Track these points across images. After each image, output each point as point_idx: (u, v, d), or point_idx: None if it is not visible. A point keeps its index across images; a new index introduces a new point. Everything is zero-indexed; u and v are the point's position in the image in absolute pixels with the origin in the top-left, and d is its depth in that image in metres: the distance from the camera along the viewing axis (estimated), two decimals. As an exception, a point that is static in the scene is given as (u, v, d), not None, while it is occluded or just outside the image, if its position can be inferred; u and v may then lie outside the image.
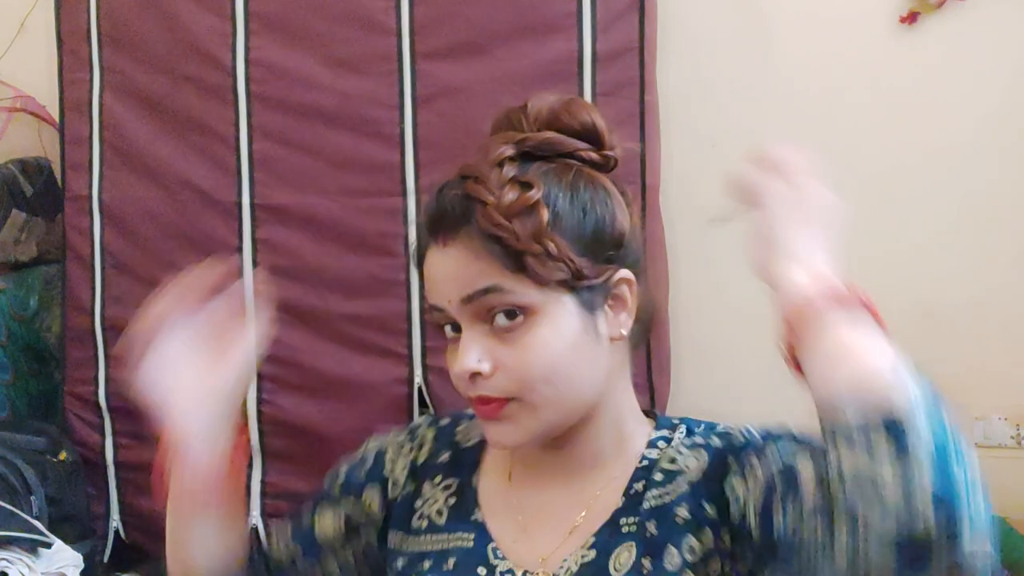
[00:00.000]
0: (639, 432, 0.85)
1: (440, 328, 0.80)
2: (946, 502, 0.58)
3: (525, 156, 0.78)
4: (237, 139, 2.21)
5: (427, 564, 0.84)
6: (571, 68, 2.08)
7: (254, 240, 2.22)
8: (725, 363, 2.30)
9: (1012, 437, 2.21)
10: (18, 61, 2.43)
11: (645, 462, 0.82)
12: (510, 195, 0.74)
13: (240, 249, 2.22)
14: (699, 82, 2.23)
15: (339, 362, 2.17)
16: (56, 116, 2.37)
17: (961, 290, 2.20)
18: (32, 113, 2.45)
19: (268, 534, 2.23)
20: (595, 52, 2.08)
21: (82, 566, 1.79)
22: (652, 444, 0.83)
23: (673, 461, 0.80)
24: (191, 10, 2.21)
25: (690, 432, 0.83)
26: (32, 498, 2.01)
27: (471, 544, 0.83)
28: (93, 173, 2.31)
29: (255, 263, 2.21)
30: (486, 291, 0.75)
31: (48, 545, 1.73)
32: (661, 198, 2.12)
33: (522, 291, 0.74)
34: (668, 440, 0.83)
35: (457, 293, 0.76)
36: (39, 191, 2.42)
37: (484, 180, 0.76)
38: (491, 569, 0.81)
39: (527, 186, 0.75)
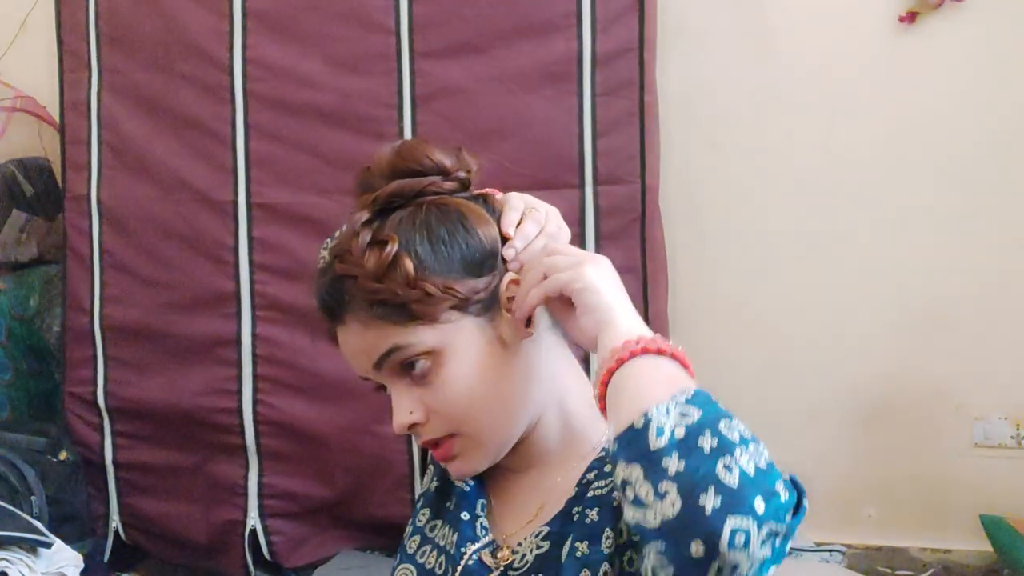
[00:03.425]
0: (597, 426, 0.86)
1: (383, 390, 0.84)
2: (691, 515, 0.59)
3: (381, 212, 0.80)
4: (234, 138, 2.20)
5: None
6: (571, 68, 2.08)
7: (250, 239, 2.21)
8: (724, 363, 2.30)
9: (1012, 437, 2.21)
10: (18, 61, 2.44)
11: (602, 453, 0.83)
12: (371, 259, 0.77)
13: (236, 248, 2.22)
14: (699, 82, 2.23)
15: (336, 362, 2.16)
16: (56, 116, 2.37)
17: (961, 290, 2.20)
18: (32, 113, 2.45)
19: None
20: (595, 52, 2.07)
21: (82, 566, 1.79)
22: None
23: None
24: (189, 9, 2.21)
25: None
26: (32, 498, 2.01)
27: (467, 489, 0.89)
28: (92, 173, 2.31)
29: (251, 262, 2.21)
30: (388, 353, 0.78)
31: (48, 545, 1.73)
32: (661, 198, 2.11)
33: (419, 339, 0.78)
34: None
35: (367, 363, 0.80)
36: (39, 191, 2.42)
37: (348, 254, 0.79)
38: (474, 518, 0.86)
39: (383, 244, 0.78)
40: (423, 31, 2.12)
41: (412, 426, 0.81)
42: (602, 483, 0.79)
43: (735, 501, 0.58)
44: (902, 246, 2.21)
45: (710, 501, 0.58)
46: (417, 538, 0.91)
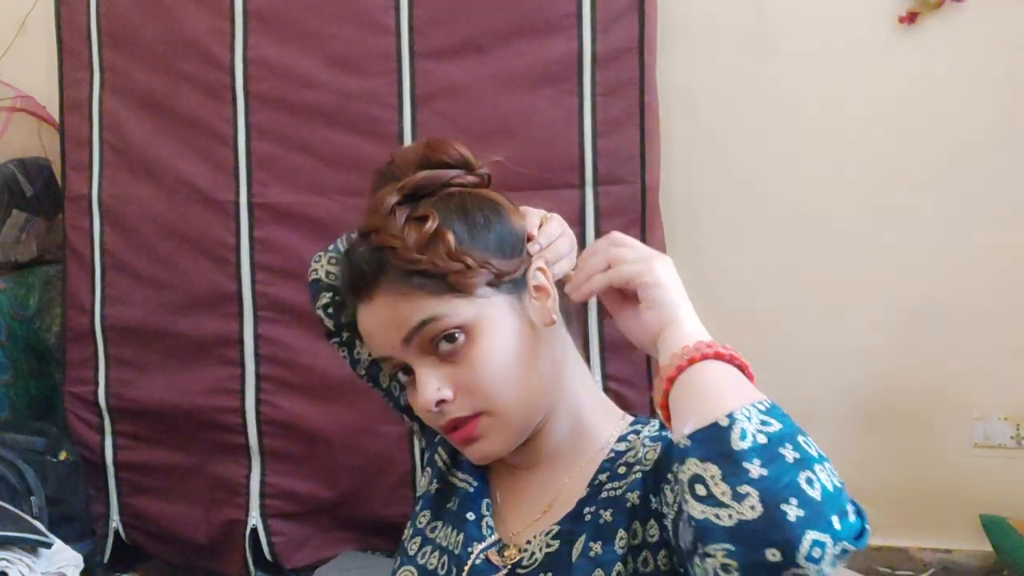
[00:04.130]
0: (604, 427, 0.87)
1: (396, 377, 0.85)
2: (768, 528, 0.59)
3: (410, 198, 0.82)
4: (235, 138, 2.20)
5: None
6: (571, 68, 2.08)
7: (252, 239, 2.21)
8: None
9: (1012, 437, 2.21)
10: (18, 61, 2.44)
11: (612, 454, 0.84)
12: (413, 232, 0.79)
13: (238, 248, 2.22)
14: (700, 82, 2.23)
15: (338, 362, 2.16)
16: (56, 116, 2.37)
17: (962, 291, 2.20)
18: (32, 113, 2.45)
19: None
20: (595, 52, 2.07)
21: (82, 566, 1.78)
22: (623, 438, 0.86)
23: (636, 454, 0.82)
24: (190, 9, 2.21)
25: (662, 426, 0.85)
26: (32, 498, 2.01)
27: (471, 489, 0.89)
28: (93, 173, 2.31)
29: (253, 263, 2.21)
30: (422, 324, 0.79)
31: (48, 545, 1.73)
32: (661, 198, 2.11)
33: (454, 311, 0.78)
34: (639, 433, 0.86)
35: (397, 336, 0.80)
36: (39, 191, 2.42)
37: (385, 230, 0.80)
38: (480, 517, 0.87)
39: (424, 219, 0.80)
40: (423, 31, 2.12)
41: (439, 403, 0.80)
42: (615, 484, 0.80)
43: (817, 515, 0.59)
44: (902, 246, 2.22)
45: (793, 511, 0.58)
46: (418, 539, 0.92)
